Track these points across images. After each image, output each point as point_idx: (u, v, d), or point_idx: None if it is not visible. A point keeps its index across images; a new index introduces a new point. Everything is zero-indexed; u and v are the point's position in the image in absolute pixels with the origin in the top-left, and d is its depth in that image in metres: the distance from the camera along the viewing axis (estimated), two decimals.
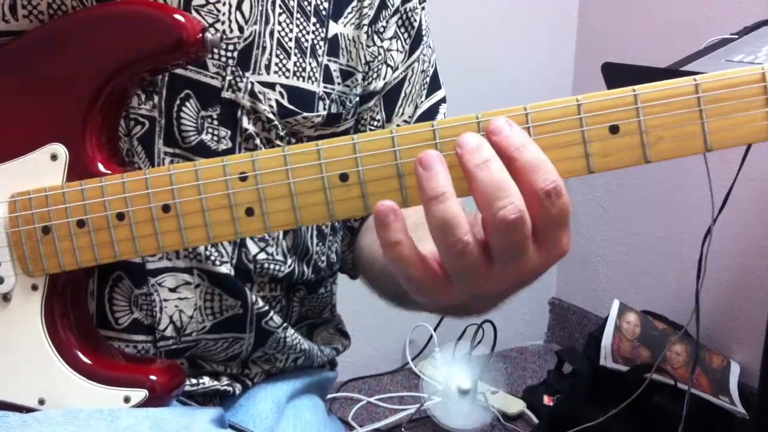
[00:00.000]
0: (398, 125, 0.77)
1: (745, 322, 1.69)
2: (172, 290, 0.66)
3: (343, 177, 0.52)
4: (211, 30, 0.64)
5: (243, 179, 0.54)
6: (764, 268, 1.54)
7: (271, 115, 0.67)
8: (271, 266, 0.70)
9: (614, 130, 0.49)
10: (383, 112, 0.77)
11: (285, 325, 0.72)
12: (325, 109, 0.70)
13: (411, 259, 0.49)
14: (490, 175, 0.47)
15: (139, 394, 0.58)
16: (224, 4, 0.65)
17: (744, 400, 1.60)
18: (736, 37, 1.19)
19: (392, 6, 0.75)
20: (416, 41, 0.78)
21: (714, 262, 1.51)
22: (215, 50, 0.65)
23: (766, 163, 1.59)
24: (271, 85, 0.67)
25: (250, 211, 0.54)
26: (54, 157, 0.60)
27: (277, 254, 0.70)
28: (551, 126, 0.49)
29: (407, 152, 0.51)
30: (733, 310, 1.72)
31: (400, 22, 0.76)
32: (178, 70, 0.64)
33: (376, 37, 0.74)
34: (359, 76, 0.73)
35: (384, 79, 0.75)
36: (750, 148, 1.37)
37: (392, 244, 0.48)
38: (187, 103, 0.65)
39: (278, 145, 0.68)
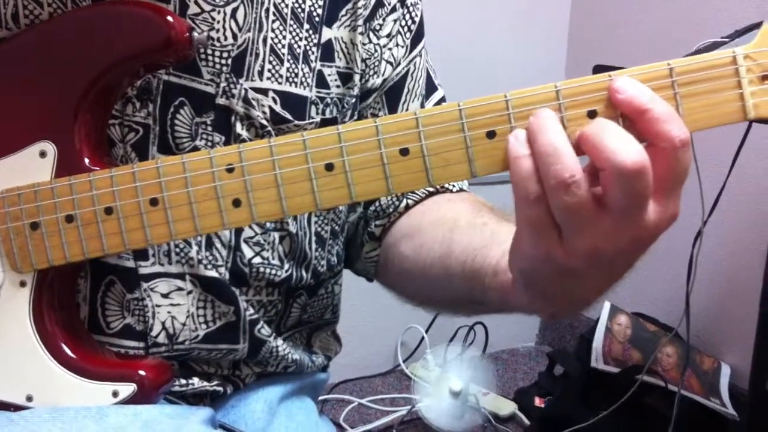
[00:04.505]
0: None
1: (735, 324, 1.69)
2: (165, 296, 0.66)
3: (329, 166, 0.53)
4: (198, 29, 0.65)
5: (230, 170, 0.54)
6: (755, 271, 1.54)
7: (264, 121, 0.67)
8: (267, 270, 0.70)
9: (592, 114, 0.49)
10: (386, 109, 0.77)
11: (275, 334, 0.72)
12: (318, 113, 0.71)
13: (530, 174, 0.48)
14: (610, 127, 0.47)
15: (127, 389, 0.58)
16: (219, 12, 0.66)
17: (735, 401, 1.60)
18: (728, 40, 1.19)
19: (389, 4, 0.75)
20: (417, 36, 0.78)
21: (705, 265, 1.51)
22: (210, 57, 0.66)
23: (757, 165, 1.60)
24: (264, 91, 0.68)
25: (237, 202, 0.55)
26: (43, 154, 0.60)
27: (273, 259, 0.70)
28: (531, 112, 0.50)
29: (391, 140, 0.52)
30: (723, 313, 1.73)
31: (401, 18, 0.76)
32: (173, 78, 0.65)
33: (372, 35, 0.74)
34: (357, 77, 0.73)
35: (383, 75, 0.75)
36: (741, 150, 1.38)
37: (516, 157, 0.48)
38: (182, 110, 0.65)
39: None
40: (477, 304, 0.64)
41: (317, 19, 0.71)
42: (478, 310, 0.70)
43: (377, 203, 0.77)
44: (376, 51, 0.74)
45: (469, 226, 0.66)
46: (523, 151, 0.48)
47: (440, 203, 0.76)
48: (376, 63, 0.74)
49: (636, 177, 0.45)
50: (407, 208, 0.77)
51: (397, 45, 0.76)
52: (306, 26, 0.70)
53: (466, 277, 0.63)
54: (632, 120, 0.48)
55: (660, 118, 0.47)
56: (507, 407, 1.81)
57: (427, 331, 1.97)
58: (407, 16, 0.77)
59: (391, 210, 0.77)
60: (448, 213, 0.72)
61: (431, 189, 0.77)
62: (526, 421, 1.77)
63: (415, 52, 0.78)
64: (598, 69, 1.23)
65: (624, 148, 0.46)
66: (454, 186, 0.78)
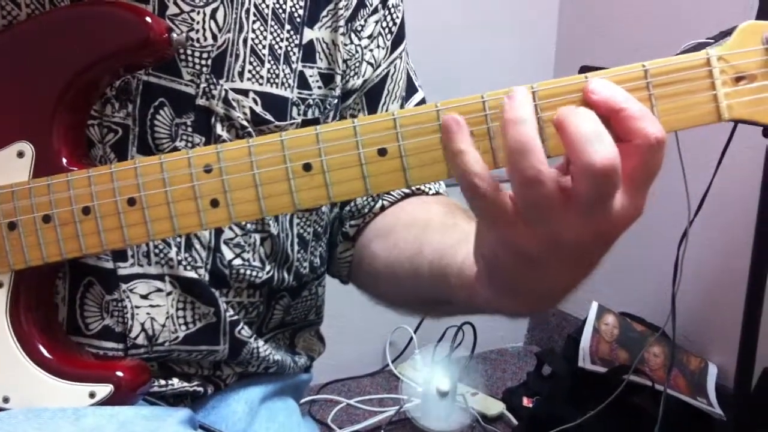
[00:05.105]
0: None
1: (721, 323, 1.70)
2: (144, 297, 0.65)
3: (307, 167, 0.53)
4: (177, 30, 0.64)
5: (208, 171, 0.54)
6: (740, 271, 1.55)
7: (244, 122, 0.67)
8: (248, 272, 0.69)
9: None
10: (365, 110, 0.77)
11: (256, 335, 0.72)
12: (299, 114, 0.70)
13: (476, 169, 0.48)
14: (586, 121, 0.47)
15: (104, 389, 0.58)
16: (198, 12, 0.66)
17: (721, 401, 1.61)
18: (713, 41, 1.20)
19: (371, 5, 0.75)
20: (398, 38, 0.78)
21: (690, 265, 1.52)
22: (189, 58, 0.65)
23: (742, 166, 1.61)
24: (244, 92, 0.67)
25: (215, 203, 0.55)
26: (21, 155, 0.60)
27: (254, 260, 0.70)
28: None
29: (369, 141, 0.52)
30: (710, 313, 1.74)
31: (382, 19, 0.76)
32: (152, 79, 0.64)
33: (353, 35, 0.74)
34: (338, 78, 0.73)
35: (363, 76, 0.75)
36: (726, 150, 1.38)
37: (456, 154, 0.48)
38: (161, 111, 0.65)
39: None
40: (445, 303, 0.64)
41: (298, 19, 0.71)
42: (447, 311, 0.70)
43: (352, 204, 0.77)
44: (357, 52, 0.74)
45: (441, 227, 0.66)
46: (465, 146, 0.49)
47: (415, 205, 0.76)
48: (357, 64, 0.74)
49: (604, 176, 0.46)
50: (382, 209, 0.77)
51: (378, 46, 0.76)
52: (287, 27, 0.70)
53: (434, 275, 0.62)
54: (608, 119, 0.48)
55: (635, 116, 0.47)
56: (495, 407, 1.81)
57: (415, 332, 1.97)
58: (388, 18, 0.77)
59: (366, 210, 0.77)
60: (421, 214, 0.72)
61: (407, 191, 0.77)
62: (515, 421, 1.78)
63: (396, 54, 0.78)
64: (584, 70, 1.23)
65: (595, 147, 0.46)
66: (430, 189, 0.78)
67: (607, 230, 0.48)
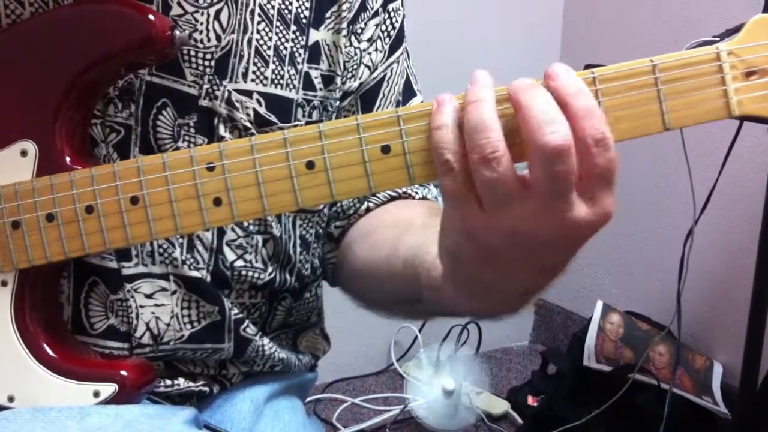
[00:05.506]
0: None
1: (727, 322, 1.70)
2: (149, 296, 0.65)
3: (310, 164, 0.53)
4: (180, 27, 0.64)
5: (210, 169, 0.54)
6: (746, 269, 1.55)
7: (248, 123, 0.67)
8: (250, 273, 0.69)
9: None
10: (360, 113, 0.76)
11: (261, 333, 0.72)
12: (304, 116, 0.70)
13: (451, 145, 0.48)
14: (540, 103, 0.46)
15: (108, 389, 0.58)
16: (202, 14, 0.65)
17: (727, 400, 1.61)
18: (718, 39, 1.19)
19: (371, 9, 0.75)
20: (397, 42, 0.78)
21: (696, 263, 1.51)
22: (192, 58, 0.65)
23: (748, 165, 1.60)
24: (248, 93, 0.67)
25: (217, 201, 0.54)
26: (24, 153, 0.60)
27: (257, 262, 0.70)
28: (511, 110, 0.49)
29: (372, 138, 0.52)
30: (715, 311, 1.73)
31: (382, 23, 0.76)
32: (155, 79, 0.64)
33: (353, 38, 0.73)
34: (338, 80, 0.73)
35: (360, 79, 0.75)
36: (732, 149, 1.38)
37: (438, 127, 0.49)
38: (164, 112, 0.65)
39: None
40: (417, 302, 0.63)
41: (304, 21, 0.70)
42: (423, 310, 0.69)
43: (338, 205, 0.77)
44: (356, 54, 0.74)
45: (420, 227, 0.66)
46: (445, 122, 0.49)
47: (400, 207, 0.76)
48: (355, 66, 0.74)
49: (556, 158, 0.45)
50: (368, 210, 0.76)
51: (377, 50, 0.76)
52: (293, 28, 0.70)
53: (407, 274, 0.62)
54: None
55: (577, 113, 0.46)
56: (500, 406, 1.81)
57: (420, 331, 1.97)
58: (388, 22, 0.76)
59: (351, 212, 0.77)
60: (405, 216, 0.72)
61: (393, 194, 0.77)
62: (519, 420, 1.77)
63: (393, 58, 0.77)
64: (589, 68, 1.23)
65: (547, 128, 0.45)
66: (417, 192, 0.78)
67: (569, 228, 0.47)
